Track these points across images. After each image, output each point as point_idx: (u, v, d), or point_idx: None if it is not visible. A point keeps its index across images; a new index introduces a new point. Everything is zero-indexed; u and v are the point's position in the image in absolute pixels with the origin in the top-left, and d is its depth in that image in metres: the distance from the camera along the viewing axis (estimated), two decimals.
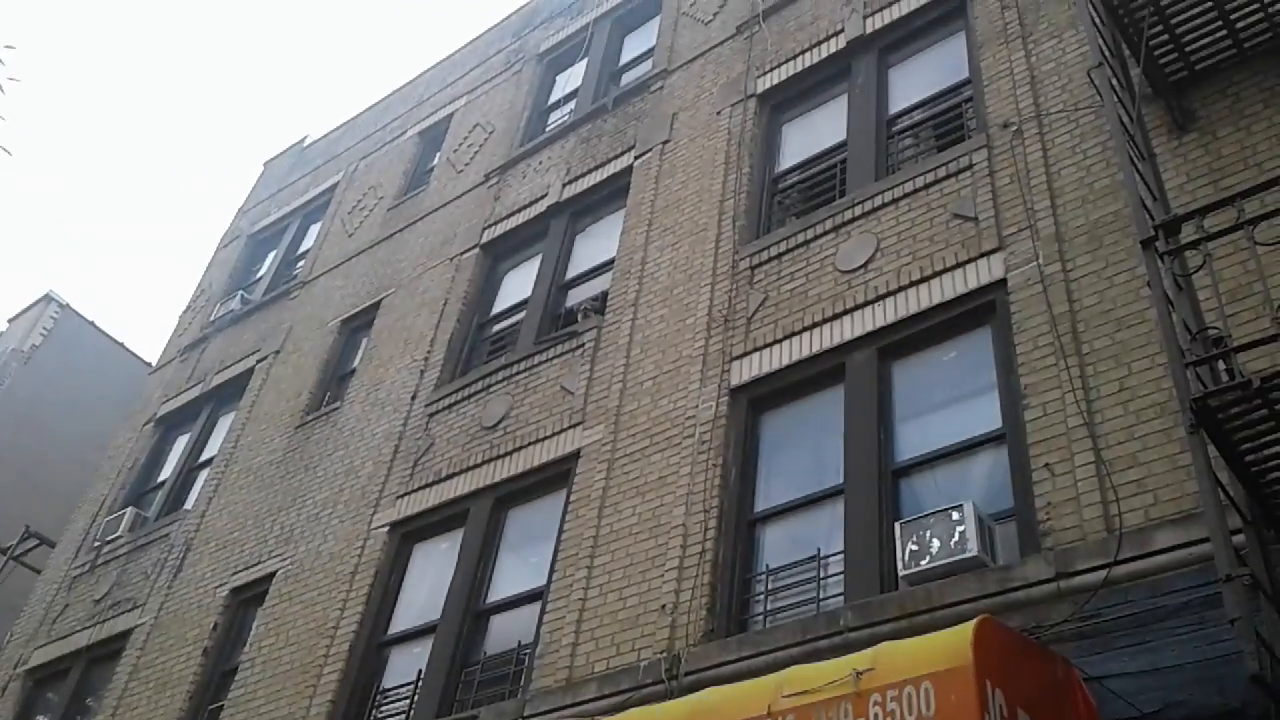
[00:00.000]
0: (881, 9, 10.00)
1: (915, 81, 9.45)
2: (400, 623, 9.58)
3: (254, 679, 10.11)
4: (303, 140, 19.58)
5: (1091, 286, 6.70)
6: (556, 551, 8.49)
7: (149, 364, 23.55)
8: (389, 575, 9.92)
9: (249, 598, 11.31)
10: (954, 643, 4.54)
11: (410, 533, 10.11)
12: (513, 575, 9.01)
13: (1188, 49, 7.02)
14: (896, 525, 6.44)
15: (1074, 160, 7.41)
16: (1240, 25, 6.87)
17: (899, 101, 9.39)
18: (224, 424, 14.49)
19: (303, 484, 11.79)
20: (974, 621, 4.66)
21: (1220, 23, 6.85)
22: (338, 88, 74.03)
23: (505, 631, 8.65)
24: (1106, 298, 6.58)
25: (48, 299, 24.77)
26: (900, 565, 6.29)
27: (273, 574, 11.06)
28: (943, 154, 8.32)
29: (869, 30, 9.95)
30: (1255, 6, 6.73)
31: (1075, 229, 7.04)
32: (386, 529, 10.21)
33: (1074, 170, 7.36)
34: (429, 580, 9.69)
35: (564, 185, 11.97)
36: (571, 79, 14.03)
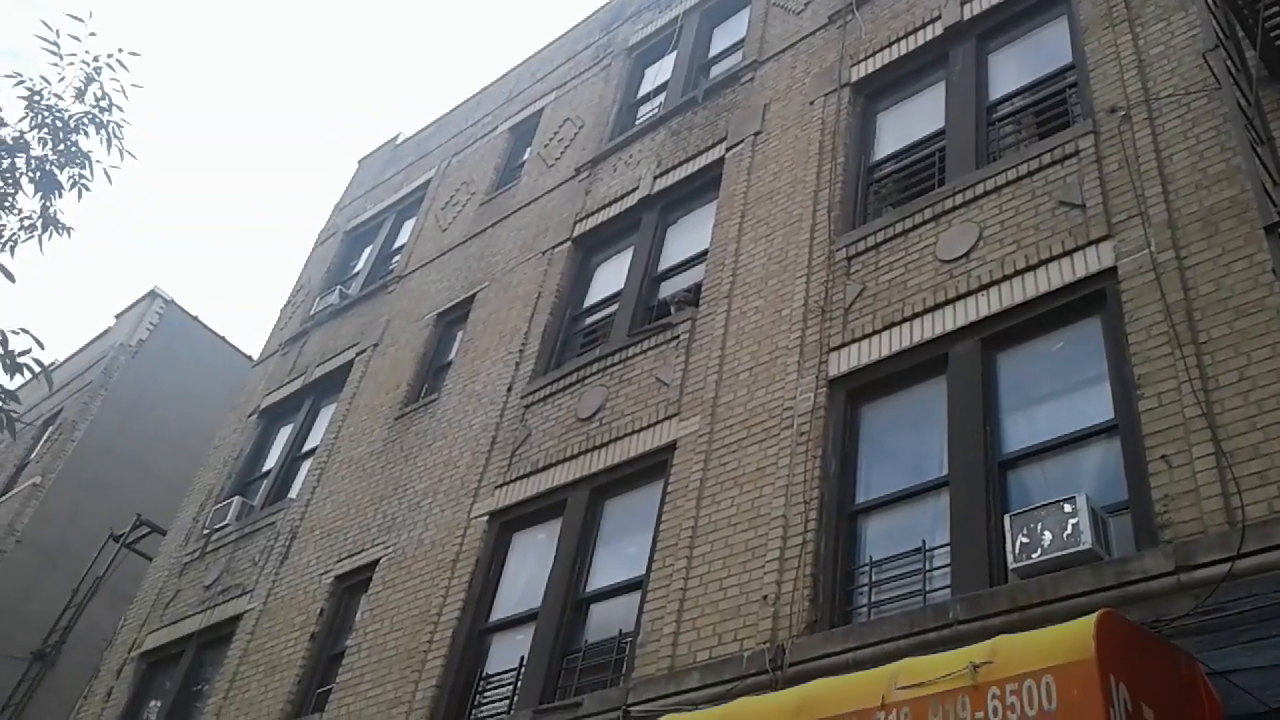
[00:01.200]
0: None
1: (1015, 67, 9.25)
2: (501, 610, 9.68)
3: (360, 664, 10.31)
4: (395, 138, 19.86)
5: (1208, 274, 6.49)
6: (655, 541, 8.50)
7: (250, 357, 24.18)
8: (489, 563, 10.02)
9: (353, 584, 11.52)
10: (1076, 635, 4.43)
11: (509, 522, 10.21)
12: (611, 564, 9.04)
13: None
14: (1006, 517, 6.32)
15: (1186, 145, 7.17)
16: None
17: (999, 88, 9.19)
18: (325, 415, 14.77)
19: (403, 474, 11.97)
20: (1095, 614, 4.55)
21: None
22: (429, 84, 74.97)
23: (605, 620, 8.69)
24: (1224, 285, 6.37)
25: (153, 295, 25.54)
26: (1010, 558, 6.17)
27: (376, 561, 11.25)
28: (1046, 140, 8.12)
29: (966, 16, 9.76)
30: None
31: (1189, 215, 6.83)
32: (486, 518, 10.32)
33: (1186, 156, 7.13)
34: (528, 569, 9.78)
35: (655, 178, 11.95)
36: (660, 72, 14.00)
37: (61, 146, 10.25)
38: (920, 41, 10.06)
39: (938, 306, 7.85)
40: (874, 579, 7.09)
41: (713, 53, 13.47)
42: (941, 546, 6.84)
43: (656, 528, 8.60)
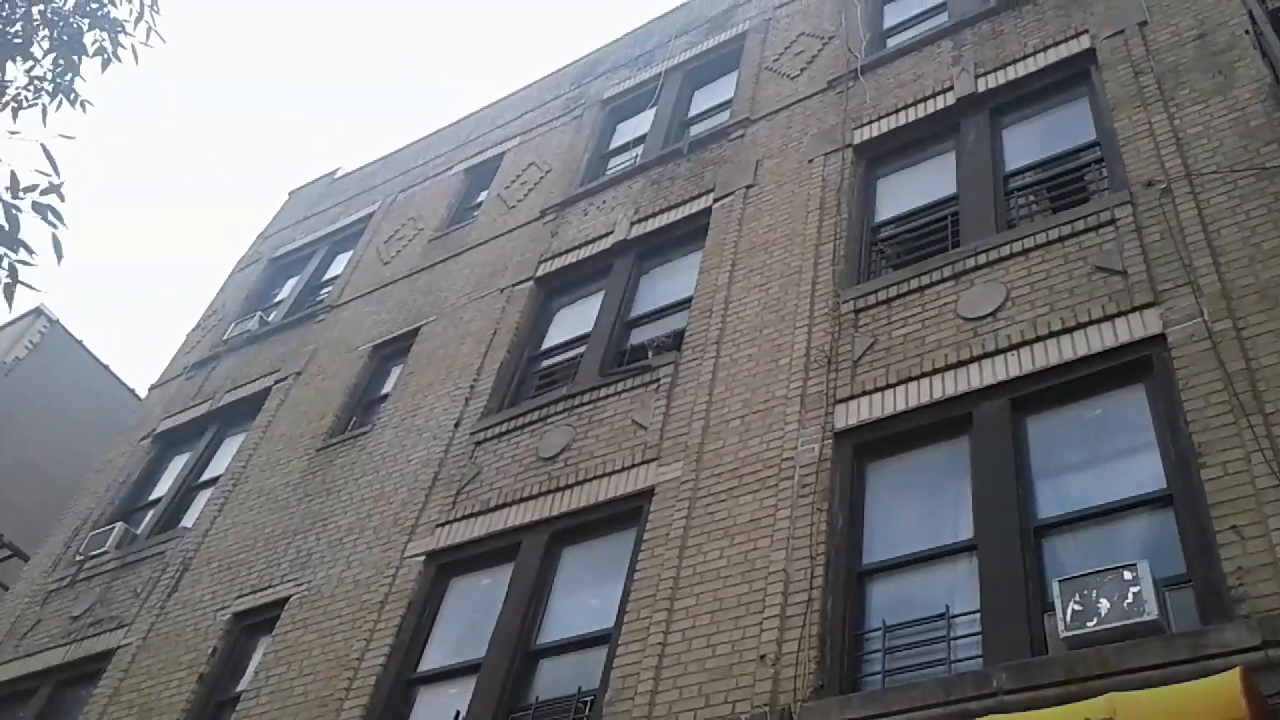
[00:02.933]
0: (996, 69, 9.68)
1: (1032, 141, 9.09)
2: (434, 659, 8.70)
3: (259, 710, 9.11)
4: (334, 172, 19.19)
5: (1270, 346, 6.17)
6: (628, 592, 7.71)
7: (132, 390, 22.70)
8: (423, 608, 9.06)
9: (255, 623, 10.34)
10: (1221, 692, 3.85)
11: (450, 564, 9.29)
12: (570, 616, 8.20)
13: None
14: (1055, 584, 5.75)
15: (1235, 220, 6.95)
16: None
17: (1015, 159, 9.00)
18: (232, 443, 13.63)
19: (324, 508, 10.95)
20: (1236, 671, 3.98)
21: None
22: (351, 132, 73.73)
23: (561, 675, 7.80)
24: None
25: (38, 312, 23.75)
26: (1061, 626, 5.59)
27: (285, 599, 10.14)
28: (1080, 208, 7.86)
29: (981, 89, 9.62)
30: None
31: (1244, 288, 6.55)
32: (422, 558, 9.38)
33: (1235, 230, 6.90)
34: (468, 616, 8.88)
35: (632, 224, 11.47)
36: (635, 126, 13.68)
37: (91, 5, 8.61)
38: (930, 110, 9.88)
39: (960, 364, 7.41)
40: (887, 645, 6.42)
41: (694, 112, 13.19)
42: (968, 613, 6.24)
43: (630, 577, 7.82)
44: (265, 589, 10.46)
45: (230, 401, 14.24)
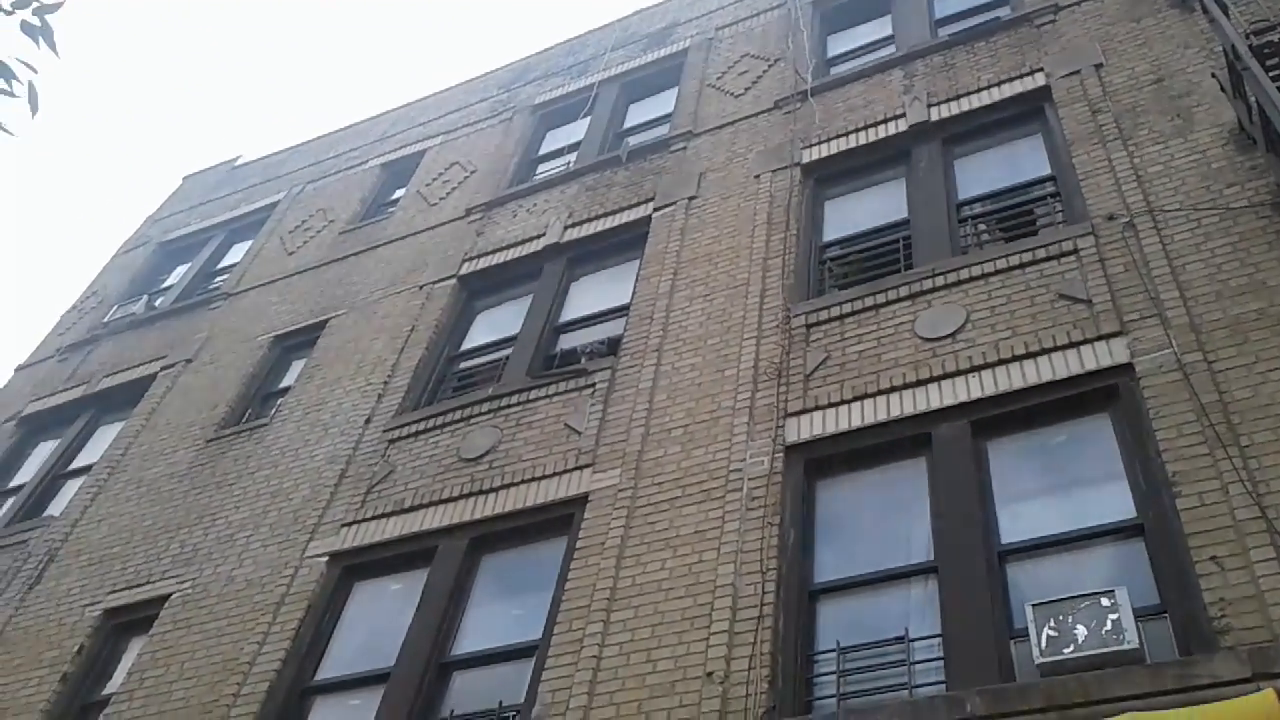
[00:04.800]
0: (949, 100, 9.65)
1: (985, 172, 9.05)
2: (334, 668, 8.01)
3: (131, 714, 8.24)
4: (235, 159, 18.27)
5: (1242, 380, 6.10)
6: (558, 602, 7.21)
7: None
8: (324, 612, 8.37)
9: (129, 621, 9.43)
10: (1263, 709, 3.59)
11: (356, 566, 8.63)
12: (491, 626, 7.66)
13: None
14: (1028, 608, 5.51)
15: (1200, 257, 6.93)
16: None
17: (967, 189, 8.93)
18: (108, 431, 12.63)
19: (214, 501, 10.12)
20: (1268, 690, 3.75)
21: None
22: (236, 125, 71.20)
23: (479, 688, 7.22)
24: (1262, 393, 5.98)
25: None
26: (1036, 652, 5.35)
27: (166, 596, 9.28)
28: (1042, 235, 7.78)
29: (934, 118, 9.56)
30: None
31: (1213, 322, 6.49)
32: (325, 559, 8.69)
33: (1201, 266, 6.87)
34: (375, 623, 8.22)
35: (566, 227, 11.08)
36: (568, 134, 13.32)
37: None
38: (880, 134, 9.78)
39: (919, 383, 7.20)
40: (842, 666, 6.07)
41: (630, 123, 12.91)
42: (929, 637, 5.95)
43: (560, 587, 7.33)
44: (143, 584, 9.58)
45: (108, 386, 13.26)
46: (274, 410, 11.08)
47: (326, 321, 12.03)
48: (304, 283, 13.13)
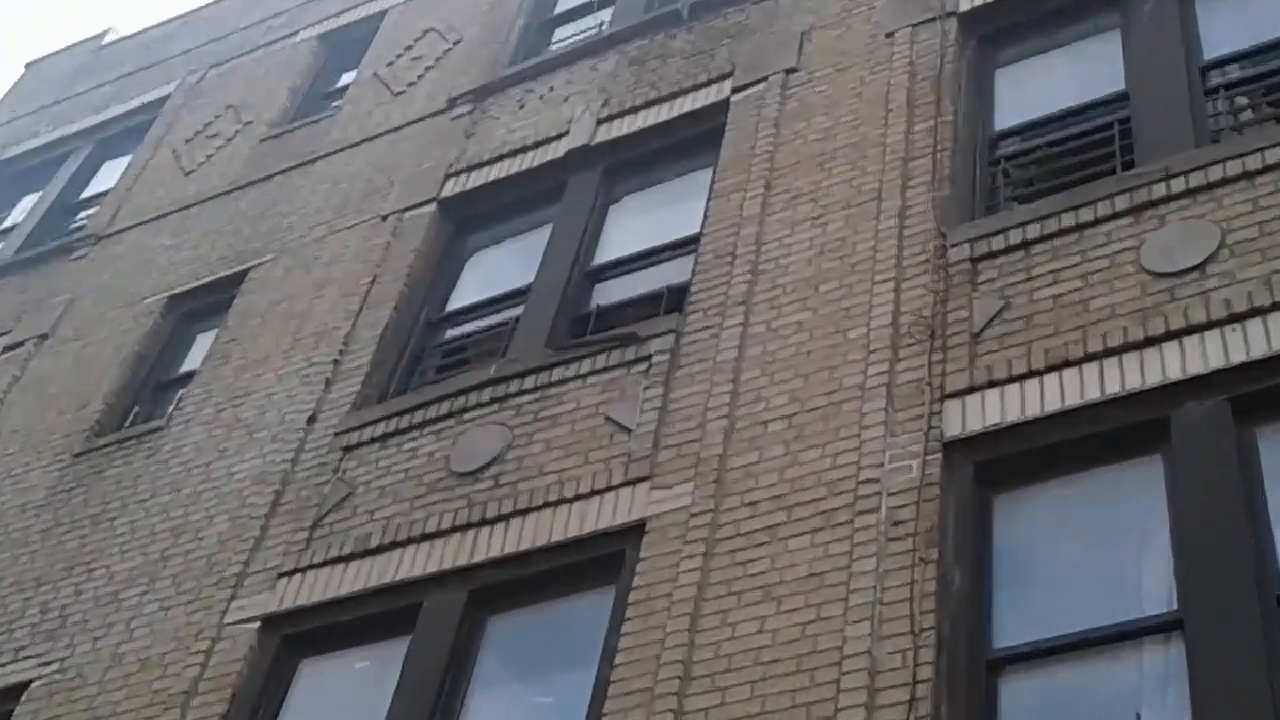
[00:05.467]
0: None
1: (1241, 18, 9.27)
2: None
3: None
4: (101, 35, 19.14)
5: None
6: (604, 684, 7.37)
7: None
8: (255, 706, 8.66)
9: None
10: None
11: (301, 635, 9.00)
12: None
13: None
14: None
15: None
16: None
17: (1217, 44, 9.13)
18: None
19: (87, 544, 10.68)
20: None
21: None
22: None
23: None
24: None
25: None
26: None
27: (23, 686, 9.73)
28: None
29: None
30: None
31: None
32: (255, 626, 9.05)
33: None
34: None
35: (599, 122, 11.50)
36: None
37: None
38: None
39: (1149, 342, 7.21)
40: None
41: None
42: None
43: (606, 662, 7.51)
44: None
45: None
46: (172, 408, 11.55)
47: (245, 273, 12.59)
48: (209, 216, 13.79)
